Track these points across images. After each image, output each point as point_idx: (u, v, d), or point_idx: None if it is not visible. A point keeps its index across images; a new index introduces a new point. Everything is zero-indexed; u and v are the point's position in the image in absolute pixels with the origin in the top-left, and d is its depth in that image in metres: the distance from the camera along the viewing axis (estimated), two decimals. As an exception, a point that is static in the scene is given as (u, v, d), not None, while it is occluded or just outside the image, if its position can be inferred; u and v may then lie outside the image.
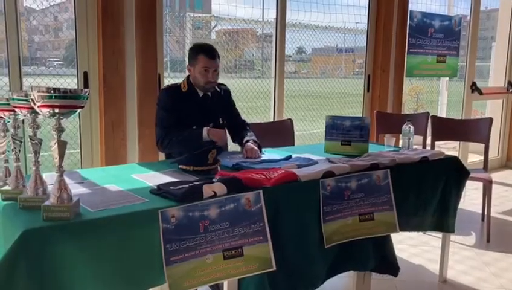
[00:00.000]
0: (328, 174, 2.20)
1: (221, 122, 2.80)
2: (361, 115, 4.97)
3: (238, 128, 2.85)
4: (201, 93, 2.71)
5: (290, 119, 3.62)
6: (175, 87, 2.70)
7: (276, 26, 4.23)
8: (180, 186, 1.88)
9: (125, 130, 3.30)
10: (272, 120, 4.17)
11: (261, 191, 1.86)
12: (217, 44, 5.55)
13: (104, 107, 3.21)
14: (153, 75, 3.36)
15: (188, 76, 2.73)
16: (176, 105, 2.64)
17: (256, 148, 2.63)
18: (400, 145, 3.00)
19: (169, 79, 4.45)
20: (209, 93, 2.73)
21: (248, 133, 2.79)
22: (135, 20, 3.25)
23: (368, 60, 4.88)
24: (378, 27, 4.81)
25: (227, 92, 2.89)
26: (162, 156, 3.11)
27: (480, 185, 3.90)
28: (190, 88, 2.70)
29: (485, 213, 3.87)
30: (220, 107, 2.79)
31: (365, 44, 4.89)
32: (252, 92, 5.36)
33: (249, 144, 2.65)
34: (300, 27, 5.37)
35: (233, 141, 2.91)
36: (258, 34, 6.35)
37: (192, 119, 2.65)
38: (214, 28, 5.77)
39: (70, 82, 3.46)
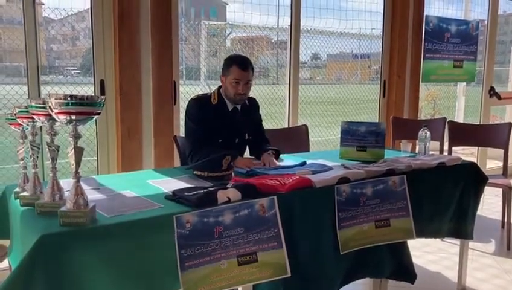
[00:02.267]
0: (343, 180, 2.19)
1: (247, 137, 2.79)
2: (377, 121, 4.95)
3: (259, 143, 2.83)
4: (230, 107, 2.69)
5: (304, 125, 3.63)
6: (204, 99, 2.68)
7: (290, 33, 4.24)
8: (195, 192, 1.89)
9: (141, 138, 3.32)
10: (286, 126, 4.17)
11: (275, 197, 1.86)
12: (231, 52, 5.58)
13: (120, 114, 3.24)
14: (168, 83, 3.39)
15: (219, 87, 2.72)
16: (204, 117, 2.61)
17: (274, 159, 2.61)
18: (417, 151, 2.98)
19: (185, 86, 4.47)
20: (238, 107, 2.71)
21: (269, 146, 2.80)
22: (151, 29, 3.29)
23: (384, 66, 4.86)
24: (393, 32, 4.79)
25: (256, 107, 2.89)
26: (176, 162, 3.13)
27: (499, 191, 3.84)
28: (220, 100, 2.67)
29: (505, 220, 3.80)
30: (248, 122, 2.78)
31: (381, 50, 4.88)
32: (267, 98, 5.36)
33: (266, 154, 2.65)
34: (315, 33, 5.37)
35: (251, 155, 2.93)
36: (272, 40, 6.37)
37: (220, 133, 2.64)
38: (228, 35, 5.81)
39: (87, 90, 3.51)
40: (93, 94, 3.25)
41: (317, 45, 5.79)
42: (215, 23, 5.50)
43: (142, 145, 3.33)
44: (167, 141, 3.30)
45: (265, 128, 3.03)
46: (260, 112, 2.97)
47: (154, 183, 2.17)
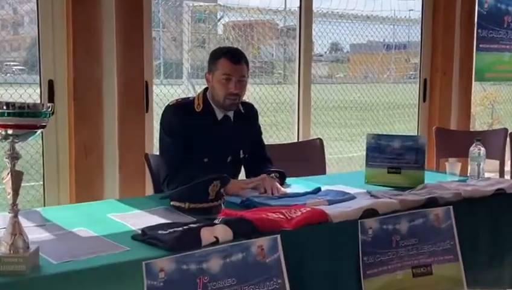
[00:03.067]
0: (369, 212, 2.19)
1: (242, 155, 2.82)
2: (415, 133, 4.94)
3: (258, 163, 2.85)
4: (220, 115, 2.72)
5: (319, 138, 3.65)
6: (185, 105, 2.72)
7: (300, 17, 4.29)
8: (172, 230, 1.89)
9: (101, 157, 3.33)
10: (295, 140, 4.19)
11: (278, 236, 1.86)
12: (224, 41, 5.59)
13: (74, 125, 3.25)
14: (138, 84, 3.43)
15: (205, 90, 2.76)
16: (185, 129, 2.65)
17: (277, 184, 2.62)
18: (468, 174, 2.98)
19: (162, 87, 4.48)
20: (231, 115, 2.75)
21: (271, 167, 2.81)
22: (116, 13, 3.31)
23: (424, 60, 4.91)
24: (436, 16, 4.84)
25: (253, 115, 2.92)
26: (149, 190, 3.14)
27: None
28: (206, 107, 2.71)
29: None
30: (243, 135, 2.81)
31: (420, 39, 4.90)
32: (271, 102, 5.35)
33: (268, 177, 2.66)
34: (334, 17, 5.38)
35: (247, 177, 2.95)
36: (278, 27, 6.38)
37: (206, 149, 2.67)
38: (220, 20, 5.81)
39: (32, 92, 3.51)
40: (38, 99, 3.29)
41: (337, 33, 5.79)
42: (202, 4, 5.50)
43: (103, 167, 3.34)
44: (136, 161, 3.31)
45: (266, 143, 3.04)
46: (260, 121, 2.98)
47: (117, 218, 2.17)
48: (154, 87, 3.71)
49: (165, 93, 4.21)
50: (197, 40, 5.48)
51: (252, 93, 4.97)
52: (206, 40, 5.70)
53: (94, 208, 2.37)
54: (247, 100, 2.94)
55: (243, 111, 2.82)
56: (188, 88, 4.94)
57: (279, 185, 2.62)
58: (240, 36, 5.56)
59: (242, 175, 2.95)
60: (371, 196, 2.46)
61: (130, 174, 3.36)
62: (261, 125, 2.98)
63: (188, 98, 2.80)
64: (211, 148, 2.67)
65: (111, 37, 3.31)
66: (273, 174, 2.70)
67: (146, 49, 3.46)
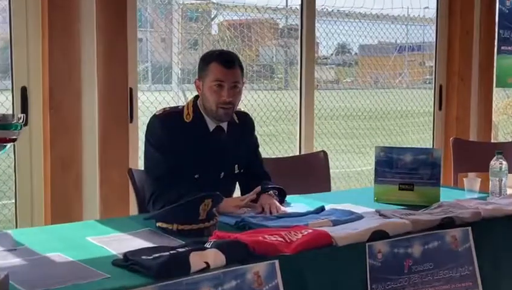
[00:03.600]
0: (378, 234, 2.19)
1: (236, 171, 2.83)
2: (430, 145, 4.94)
3: (255, 179, 2.84)
4: (212, 126, 2.73)
5: (323, 151, 3.65)
6: (173, 115, 2.72)
7: (301, 15, 4.30)
8: (157, 255, 1.87)
9: (80, 173, 3.32)
10: (297, 153, 4.18)
11: (276, 262, 1.85)
12: (218, 43, 5.59)
13: (50, 137, 3.25)
14: (122, 91, 3.44)
15: (195, 98, 2.77)
16: (173, 142, 2.66)
17: (276, 202, 2.63)
18: (489, 191, 2.97)
19: (149, 94, 4.49)
20: (224, 126, 2.76)
21: (269, 183, 2.81)
22: (96, 10, 3.32)
23: (439, 64, 4.91)
24: (452, 15, 4.85)
25: (249, 126, 2.93)
26: (133, 209, 3.15)
27: None
28: (197, 117, 2.71)
29: None
30: (238, 147, 2.82)
31: (434, 40, 4.91)
32: (270, 110, 5.34)
33: (266, 195, 2.67)
34: (340, 16, 5.39)
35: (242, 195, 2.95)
36: (279, 27, 6.38)
37: (196, 164, 2.68)
38: (213, 19, 5.81)
39: (4, 100, 3.53)
40: (10, 108, 3.28)
41: (344, 33, 5.79)
42: (194, 1, 5.51)
43: (81, 184, 3.33)
44: (119, 177, 3.31)
45: (264, 156, 3.07)
46: (257, 132, 2.98)
47: (97, 242, 2.15)
48: (139, 94, 3.71)
49: (152, 101, 4.22)
50: (188, 42, 5.47)
51: (250, 101, 4.96)
52: (198, 41, 5.68)
53: (71, 231, 2.36)
54: (242, 109, 2.95)
55: (237, 121, 2.82)
56: (177, 95, 4.94)
57: (278, 204, 2.62)
58: (236, 37, 5.55)
59: (237, 192, 2.95)
60: (381, 215, 2.46)
61: (112, 192, 3.35)
62: (258, 137, 2.99)
63: (177, 107, 2.80)
64: (202, 163, 2.68)
65: (91, 39, 3.32)
66: (271, 191, 2.70)
67: (130, 52, 3.47)
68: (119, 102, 3.43)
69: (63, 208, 3.27)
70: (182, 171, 2.63)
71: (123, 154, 3.44)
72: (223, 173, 2.75)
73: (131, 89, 3.49)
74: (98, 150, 3.36)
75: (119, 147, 3.43)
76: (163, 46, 5.35)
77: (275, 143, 5.22)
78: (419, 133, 5.89)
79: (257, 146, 2.98)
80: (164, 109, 2.79)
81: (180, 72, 5.04)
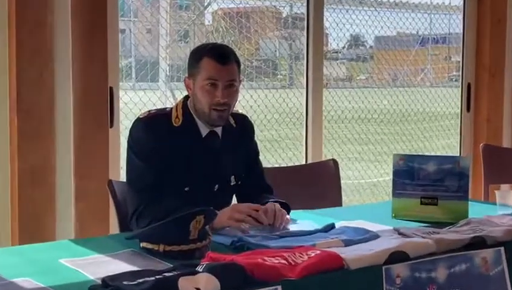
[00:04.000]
0: (397, 256, 2.16)
1: (233, 182, 2.82)
2: (457, 152, 4.92)
3: (254, 192, 2.86)
4: (204, 131, 2.73)
5: (333, 159, 3.64)
6: (160, 118, 2.72)
7: (308, 3, 4.31)
8: (142, 280, 1.86)
9: (53, 186, 3.32)
10: (303, 161, 4.20)
11: (279, 288, 1.86)
12: (212, 35, 5.66)
13: (18, 145, 3.24)
14: (101, 90, 3.44)
15: (185, 98, 2.77)
16: (160, 149, 2.65)
17: (282, 209, 2.64)
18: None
19: (132, 93, 4.51)
20: (219, 131, 2.76)
21: (271, 197, 2.82)
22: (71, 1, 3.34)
23: (467, 59, 4.95)
24: (482, 2, 4.86)
25: (248, 130, 2.94)
26: (113, 227, 3.18)
27: None
28: (187, 120, 2.71)
29: None
30: (235, 155, 2.82)
31: (462, 31, 4.95)
32: (272, 112, 5.41)
33: (270, 205, 2.66)
34: (353, 4, 5.45)
35: None
36: (282, 16, 6.40)
37: (186, 175, 2.68)
38: (207, 7, 5.86)
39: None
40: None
41: (358, 23, 5.83)
42: (185, -13, 5.55)
43: (54, 198, 3.32)
44: (98, 191, 3.32)
45: (265, 165, 3.12)
46: (256, 138, 2.99)
47: (72, 265, 2.13)
48: (121, 94, 3.75)
49: (136, 102, 4.24)
50: (177, 33, 5.54)
51: (248, 101, 5.00)
52: (189, 32, 5.77)
53: (42, 252, 2.34)
54: (239, 111, 2.97)
55: (234, 125, 2.82)
56: (165, 95, 5.04)
57: (286, 214, 2.64)
58: (233, 28, 5.59)
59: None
60: (400, 234, 2.43)
61: (90, 208, 3.36)
62: (258, 143, 2.99)
63: (164, 109, 2.80)
64: (194, 174, 2.68)
65: (65, 32, 3.32)
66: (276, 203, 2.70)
67: (111, 46, 3.47)
68: (98, 103, 3.44)
69: (33, 226, 3.25)
70: (170, 183, 2.64)
71: (102, 164, 3.45)
72: (217, 186, 2.75)
73: (111, 89, 3.48)
74: (73, 159, 3.36)
75: (98, 155, 3.44)
76: (148, 39, 5.43)
77: (277, 150, 5.30)
78: (444, 139, 5.92)
79: (257, 154, 2.98)
80: (149, 111, 2.77)
81: (168, 68, 5.12)
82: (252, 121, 3.00)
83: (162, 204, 2.55)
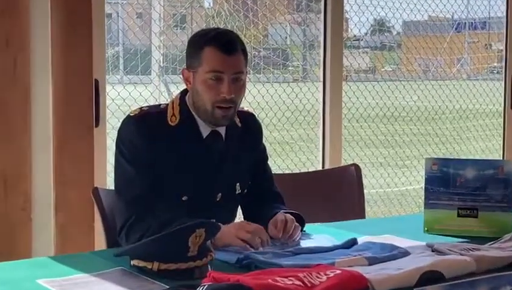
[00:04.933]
0: (430, 276, 2.17)
1: (238, 190, 2.84)
2: (500, 155, 4.92)
3: (263, 201, 2.87)
4: (206, 130, 2.74)
5: (354, 164, 3.65)
6: (154, 116, 2.73)
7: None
8: None
9: (29, 193, 3.34)
10: (319, 167, 4.20)
11: None
12: (213, 19, 5.60)
13: None
14: (84, 84, 3.44)
15: (183, 93, 2.78)
16: (154, 152, 2.67)
17: (294, 221, 2.66)
18: None
19: (121, 88, 4.50)
20: (222, 132, 2.77)
21: (281, 207, 2.83)
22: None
23: (511, 47, 4.91)
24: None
25: (255, 130, 2.96)
26: (99, 243, 3.15)
27: None
28: (185, 118, 2.73)
29: None
30: (240, 160, 2.84)
31: (505, 14, 4.93)
32: (284, 110, 5.37)
33: (280, 215, 2.68)
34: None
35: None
36: (295, -1, 6.42)
37: (185, 182, 2.70)
38: (207, -13, 5.85)
39: None
40: None
41: (383, 6, 5.83)
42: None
43: (31, 209, 3.34)
44: (81, 200, 3.31)
45: (276, 171, 3.11)
46: (265, 140, 3.00)
47: (51, 286, 2.12)
48: (108, 88, 3.73)
49: (124, 97, 4.25)
50: (173, 18, 5.50)
51: (255, 97, 4.98)
52: (186, 17, 5.71)
53: (17, 271, 2.33)
54: (245, 108, 2.97)
55: (239, 124, 2.83)
56: (159, 89, 5.00)
57: (298, 226, 2.65)
58: (237, 11, 5.58)
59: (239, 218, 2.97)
60: (433, 251, 2.43)
61: (72, 220, 3.36)
62: (267, 146, 3.01)
63: (158, 106, 2.81)
64: (193, 181, 2.69)
65: (44, 18, 3.35)
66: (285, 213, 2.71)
67: (96, 33, 3.48)
68: (81, 99, 3.44)
69: (6, 241, 3.27)
70: (165, 191, 2.66)
71: (86, 169, 3.45)
72: (220, 194, 2.76)
73: (97, 82, 3.50)
74: (52, 163, 3.38)
75: (81, 159, 3.44)
76: (139, 24, 5.38)
77: (289, 154, 5.26)
78: (484, 141, 5.90)
79: (266, 158, 3.00)
80: (141, 108, 2.78)
81: (162, 58, 5.08)
82: (260, 121, 3.01)
83: (155, 216, 2.54)
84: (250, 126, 2.90)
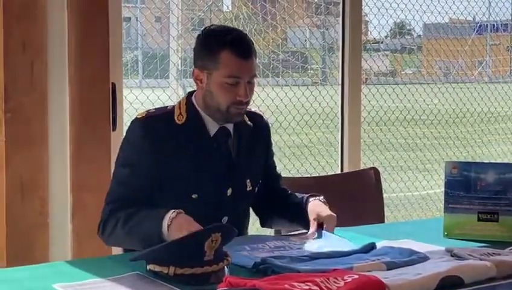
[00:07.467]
0: (450, 281, 2.17)
1: (249, 187, 2.86)
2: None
3: (274, 197, 2.93)
4: (214, 128, 2.77)
5: (373, 168, 3.67)
6: (161, 117, 2.76)
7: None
8: None
9: (46, 197, 3.35)
10: (338, 170, 4.20)
11: None
12: (232, 22, 5.62)
13: (6, 152, 3.29)
14: (101, 88, 3.46)
15: (189, 94, 2.81)
16: (158, 151, 2.69)
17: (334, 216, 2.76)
18: None
19: (139, 92, 4.51)
20: (230, 128, 2.80)
21: (299, 196, 2.91)
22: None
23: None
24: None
25: (265, 131, 3.00)
26: (116, 248, 3.12)
27: None
28: (192, 117, 2.75)
29: None
30: (250, 157, 2.86)
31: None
32: (302, 113, 5.38)
33: (316, 201, 2.82)
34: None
35: (263, 224, 3.01)
36: (314, 1, 6.41)
37: (193, 180, 2.72)
38: (226, -9, 5.86)
39: None
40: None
41: (403, 9, 5.84)
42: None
43: (48, 214, 3.36)
44: (97, 205, 3.22)
45: (293, 173, 3.10)
46: (284, 143, 3.03)
47: None
48: (126, 92, 3.74)
49: (142, 101, 4.28)
50: (191, 22, 5.52)
51: (274, 100, 4.97)
52: (205, 20, 5.72)
53: (34, 276, 2.35)
54: (253, 109, 3.00)
55: (250, 124, 2.88)
56: (176, 93, 5.01)
57: (335, 217, 2.76)
58: (256, 15, 5.59)
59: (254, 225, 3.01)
60: (453, 256, 2.43)
61: (88, 225, 3.27)
62: (286, 149, 3.09)
63: (165, 107, 2.84)
64: (202, 178, 2.71)
65: (60, 23, 3.36)
66: (319, 198, 2.84)
67: (113, 36, 3.50)
68: (98, 103, 3.46)
69: (23, 245, 3.29)
70: (174, 190, 2.69)
71: (102, 174, 3.43)
72: (230, 190, 2.77)
73: (114, 86, 3.51)
74: (69, 167, 3.39)
75: (98, 163, 3.46)
76: (158, 28, 5.39)
77: (308, 157, 5.25)
78: (506, 144, 5.89)
79: (271, 155, 3.06)
80: (148, 110, 2.81)
81: (180, 62, 5.10)
82: (269, 123, 3.06)
83: (123, 213, 2.60)
84: (261, 126, 2.95)
